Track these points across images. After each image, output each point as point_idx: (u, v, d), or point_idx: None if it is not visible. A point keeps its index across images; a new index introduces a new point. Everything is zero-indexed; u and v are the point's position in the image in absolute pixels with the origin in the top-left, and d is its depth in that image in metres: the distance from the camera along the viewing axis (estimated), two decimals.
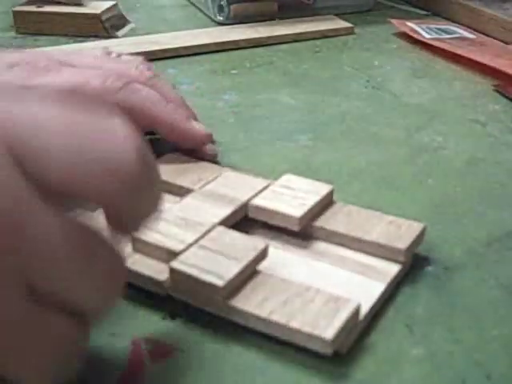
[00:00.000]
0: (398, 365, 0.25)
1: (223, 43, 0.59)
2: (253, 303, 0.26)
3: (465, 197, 0.36)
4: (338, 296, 0.26)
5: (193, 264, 0.26)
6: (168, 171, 0.35)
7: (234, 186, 0.32)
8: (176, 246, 0.27)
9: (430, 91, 0.50)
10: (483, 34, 0.63)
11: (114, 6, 0.64)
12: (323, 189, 0.32)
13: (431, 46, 0.58)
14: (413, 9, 0.72)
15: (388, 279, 0.28)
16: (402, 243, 0.29)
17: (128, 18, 0.66)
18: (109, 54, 0.41)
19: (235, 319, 0.26)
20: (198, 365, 0.25)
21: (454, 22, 0.67)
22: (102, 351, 0.25)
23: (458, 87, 0.51)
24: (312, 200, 0.31)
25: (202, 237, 0.28)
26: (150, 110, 0.35)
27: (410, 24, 0.64)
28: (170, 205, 0.31)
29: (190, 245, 0.28)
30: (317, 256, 0.30)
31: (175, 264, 0.26)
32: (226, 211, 0.30)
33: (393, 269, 0.29)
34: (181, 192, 0.33)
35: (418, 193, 0.36)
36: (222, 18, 0.65)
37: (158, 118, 0.36)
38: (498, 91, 0.50)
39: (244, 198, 0.31)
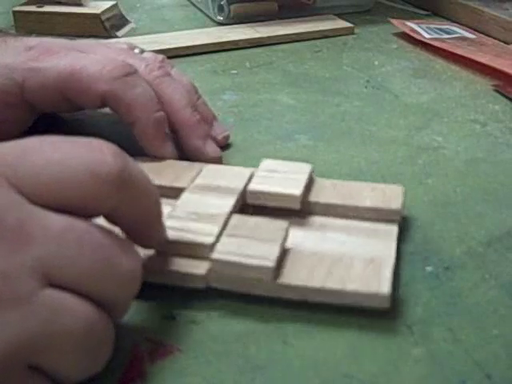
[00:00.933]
0: (398, 365, 0.25)
1: (223, 43, 0.59)
2: (301, 277, 0.27)
3: (465, 197, 0.36)
4: (372, 258, 0.28)
5: (232, 252, 0.27)
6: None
7: (224, 177, 0.33)
8: (207, 240, 0.28)
9: (430, 91, 0.50)
10: (483, 33, 0.63)
11: (114, 5, 0.64)
12: (305, 167, 0.34)
13: (431, 45, 0.58)
14: (413, 9, 0.72)
15: (394, 237, 0.30)
16: (395, 204, 0.32)
17: (128, 18, 0.66)
18: (132, 48, 0.41)
19: (288, 296, 0.27)
20: (198, 365, 0.25)
21: (454, 22, 0.67)
22: None
23: (457, 87, 0.51)
24: (302, 178, 0.32)
25: (224, 227, 0.29)
26: (135, 110, 0.35)
27: (409, 24, 0.64)
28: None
29: (218, 236, 0.28)
30: (321, 229, 0.31)
31: (216, 255, 0.27)
32: (230, 200, 0.31)
33: (392, 228, 0.31)
34: (161, 191, 0.33)
35: (417, 193, 0.36)
36: (221, 18, 0.65)
37: (136, 122, 0.35)
38: (497, 91, 0.50)
39: (239, 187, 0.32)
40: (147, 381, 0.24)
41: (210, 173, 0.33)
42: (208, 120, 0.40)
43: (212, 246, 0.28)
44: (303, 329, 0.26)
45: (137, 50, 0.41)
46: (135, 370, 0.24)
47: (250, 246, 0.27)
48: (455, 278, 0.29)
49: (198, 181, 0.33)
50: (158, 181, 0.33)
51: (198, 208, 0.30)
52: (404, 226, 0.32)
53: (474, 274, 0.30)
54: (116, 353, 0.25)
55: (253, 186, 0.32)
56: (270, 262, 0.26)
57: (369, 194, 0.33)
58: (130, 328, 0.26)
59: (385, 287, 0.26)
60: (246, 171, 0.34)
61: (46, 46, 0.37)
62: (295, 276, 0.27)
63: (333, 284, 0.27)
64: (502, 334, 0.26)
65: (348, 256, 0.28)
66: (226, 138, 0.41)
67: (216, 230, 0.28)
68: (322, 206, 0.32)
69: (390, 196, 0.32)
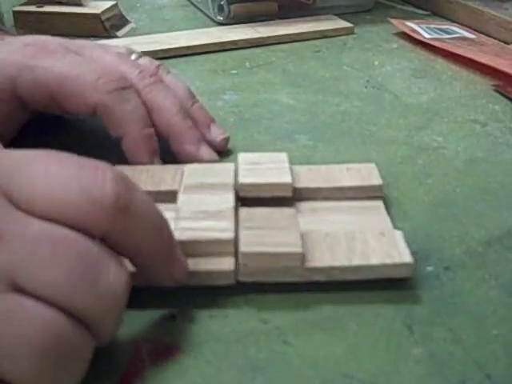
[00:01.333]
0: (398, 365, 0.25)
1: (223, 43, 0.59)
2: (326, 258, 0.28)
3: (465, 197, 0.36)
4: (382, 231, 0.29)
5: (258, 243, 0.27)
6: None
7: (212, 175, 0.33)
8: (227, 235, 0.28)
9: (430, 91, 0.50)
10: (483, 33, 0.63)
11: (114, 5, 0.64)
12: (283, 156, 0.35)
13: (431, 45, 0.58)
14: (413, 9, 0.72)
15: (384, 211, 0.32)
16: (376, 180, 0.33)
17: (128, 18, 0.66)
18: (130, 53, 0.41)
19: (315, 278, 0.28)
20: (198, 365, 0.25)
21: (453, 22, 0.67)
22: (103, 351, 0.25)
23: (457, 87, 0.51)
24: (285, 167, 0.33)
25: (237, 221, 0.29)
26: (124, 125, 0.35)
27: (410, 24, 0.63)
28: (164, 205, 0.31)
29: (235, 230, 0.28)
30: (314, 213, 0.32)
31: (245, 248, 0.27)
32: (229, 195, 0.31)
33: (379, 204, 0.33)
34: (155, 197, 0.32)
35: (417, 193, 0.36)
36: (221, 18, 0.65)
37: (124, 137, 0.35)
38: (497, 91, 0.50)
39: (231, 181, 0.32)
40: (147, 381, 0.24)
41: (195, 172, 0.33)
42: (204, 124, 0.39)
43: (233, 241, 0.28)
44: (303, 329, 0.26)
45: (134, 56, 0.41)
46: (135, 370, 0.24)
47: (271, 235, 0.28)
48: (455, 277, 0.30)
49: (187, 181, 0.32)
50: (142, 187, 0.32)
51: (202, 207, 0.30)
52: (404, 225, 0.32)
53: (474, 274, 0.30)
54: (116, 353, 0.25)
55: (244, 180, 0.32)
56: (299, 248, 0.27)
57: (348, 174, 0.34)
58: (130, 328, 0.26)
59: (407, 257, 0.28)
60: (229, 166, 0.34)
61: (42, 44, 0.37)
62: (319, 258, 0.28)
63: (358, 260, 0.28)
64: (502, 334, 0.26)
65: (358, 232, 0.29)
66: (226, 140, 0.40)
67: (231, 224, 0.29)
68: (308, 191, 0.33)
69: (367, 173, 0.34)
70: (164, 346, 0.25)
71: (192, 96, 0.41)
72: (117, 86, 0.35)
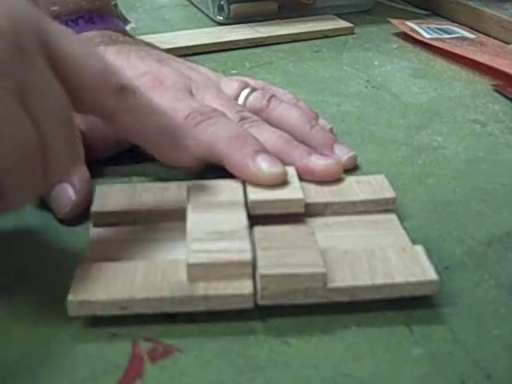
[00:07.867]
0: (398, 365, 0.25)
1: (223, 43, 0.59)
2: (348, 278, 0.27)
3: (465, 197, 0.36)
4: (402, 247, 0.28)
5: (278, 264, 0.26)
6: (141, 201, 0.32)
7: (219, 193, 0.32)
8: (245, 256, 0.27)
9: (430, 91, 0.50)
10: (483, 33, 0.63)
11: (114, 6, 0.64)
12: (290, 170, 0.33)
13: (431, 45, 0.58)
14: (413, 9, 0.72)
15: (399, 225, 0.31)
16: (389, 193, 0.32)
17: (128, 17, 0.66)
18: (244, 87, 0.40)
19: (337, 299, 0.27)
20: (198, 365, 0.25)
21: (454, 21, 0.67)
22: (103, 351, 0.25)
23: (457, 87, 0.51)
24: (295, 182, 0.32)
25: (252, 241, 0.28)
26: (215, 145, 0.34)
27: (409, 24, 0.63)
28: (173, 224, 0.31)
29: (252, 251, 0.27)
30: (328, 229, 0.31)
31: (264, 270, 0.26)
32: (241, 214, 0.30)
33: (392, 217, 0.32)
34: (159, 217, 0.31)
35: (417, 193, 0.36)
36: (221, 18, 0.65)
37: (220, 154, 0.34)
38: (497, 91, 0.50)
39: (240, 199, 0.31)
40: (147, 381, 0.24)
41: (201, 190, 0.32)
42: (327, 146, 0.37)
43: (252, 263, 0.27)
44: (303, 329, 0.26)
45: (246, 92, 0.40)
46: (135, 370, 0.24)
47: (290, 255, 0.27)
48: (455, 277, 0.30)
49: (194, 200, 0.31)
50: (145, 206, 0.31)
51: (215, 227, 0.29)
52: (404, 225, 0.32)
53: (474, 274, 0.30)
54: (116, 353, 0.25)
55: (254, 197, 0.31)
56: (322, 268, 0.26)
57: (358, 187, 0.33)
58: (130, 328, 0.26)
59: (432, 274, 0.27)
60: (235, 183, 0.32)
61: (159, 76, 0.37)
62: (341, 277, 0.27)
63: (381, 279, 0.27)
64: (502, 334, 0.26)
65: (378, 249, 0.28)
66: (353, 158, 0.37)
67: (248, 245, 0.27)
68: (319, 206, 0.32)
69: (378, 185, 0.33)
70: (164, 346, 0.25)
71: (309, 120, 0.39)
72: (199, 120, 0.34)
